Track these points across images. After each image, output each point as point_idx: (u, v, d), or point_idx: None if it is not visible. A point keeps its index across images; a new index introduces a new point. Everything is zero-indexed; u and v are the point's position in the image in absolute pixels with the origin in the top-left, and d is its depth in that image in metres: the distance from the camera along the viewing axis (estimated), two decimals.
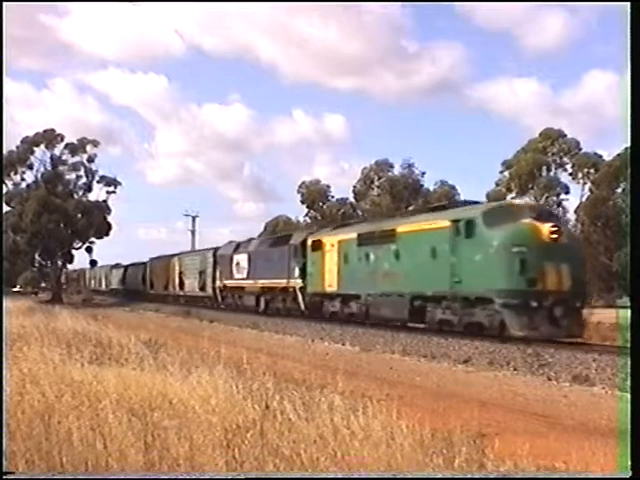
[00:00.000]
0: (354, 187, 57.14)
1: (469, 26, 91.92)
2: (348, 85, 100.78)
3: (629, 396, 5.44)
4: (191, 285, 39.61)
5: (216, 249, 36.37)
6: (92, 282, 71.11)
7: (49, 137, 49.59)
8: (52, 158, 49.97)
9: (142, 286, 50.42)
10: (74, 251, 52.54)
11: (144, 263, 51.76)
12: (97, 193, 51.42)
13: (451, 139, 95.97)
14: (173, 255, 45.36)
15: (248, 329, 21.85)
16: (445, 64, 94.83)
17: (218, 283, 34.44)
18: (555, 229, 15.05)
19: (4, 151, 43.58)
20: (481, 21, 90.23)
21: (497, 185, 48.55)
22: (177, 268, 42.45)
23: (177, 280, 42.10)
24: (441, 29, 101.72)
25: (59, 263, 52.85)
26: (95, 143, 50.53)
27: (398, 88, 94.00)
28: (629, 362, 5.84)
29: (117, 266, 62.98)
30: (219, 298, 34.56)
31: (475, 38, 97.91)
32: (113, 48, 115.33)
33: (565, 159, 47.42)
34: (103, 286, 65.91)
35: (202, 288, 37.30)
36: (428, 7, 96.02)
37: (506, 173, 47.80)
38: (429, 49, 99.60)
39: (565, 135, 47.98)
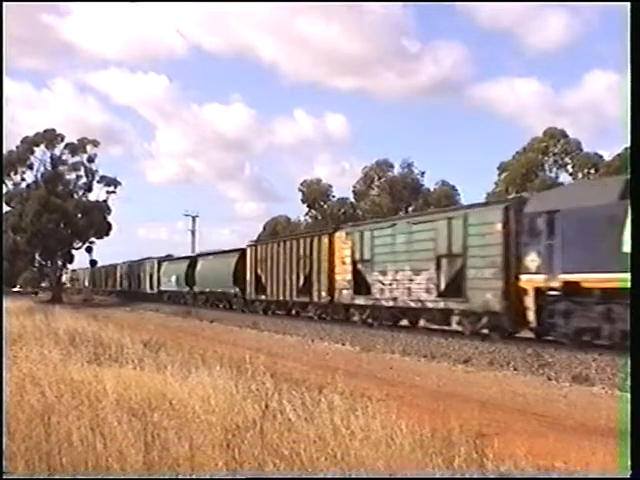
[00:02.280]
0: (354, 187, 57.21)
1: (470, 26, 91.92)
2: (349, 85, 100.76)
3: (629, 396, 5.44)
4: (405, 286, 19.13)
5: (517, 201, 16.65)
6: (124, 282, 54.76)
7: (49, 137, 49.61)
8: (52, 158, 50.04)
9: (233, 288, 31.79)
10: (74, 251, 52.63)
11: (234, 251, 33.44)
12: (97, 193, 51.61)
13: (452, 139, 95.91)
14: (327, 231, 24.86)
15: (248, 329, 21.85)
16: (446, 64, 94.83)
17: (540, 279, 14.31)
18: None
19: (4, 151, 43.68)
20: (482, 21, 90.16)
21: (497, 185, 48.55)
22: (349, 253, 21.98)
23: (348, 276, 21.94)
24: (442, 29, 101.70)
25: (59, 263, 52.85)
26: (95, 143, 50.67)
27: (399, 88, 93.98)
28: (629, 362, 5.84)
29: (170, 259, 45.51)
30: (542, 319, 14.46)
31: (476, 38, 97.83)
32: (114, 48, 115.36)
33: (566, 159, 47.44)
34: (146, 288, 47.75)
35: (451, 292, 17.31)
36: (429, 7, 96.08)
37: (503, 175, 47.77)
38: (430, 49, 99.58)
39: (567, 135, 48.01)
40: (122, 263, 56.15)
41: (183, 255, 44.47)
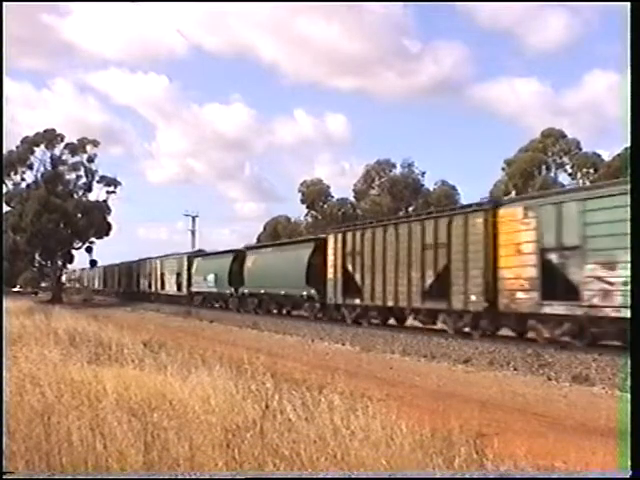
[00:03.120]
0: (355, 185, 57.24)
1: (471, 26, 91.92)
2: (349, 85, 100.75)
3: (629, 396, 5.44)
4: None
5: None
6: (143, 282, 47.86)
7: (49, 137, 49.63)
8: (52, 158, 50.05)
9: (306, 290, 24.59)
10: (74, 251, 52.63)
11: (307, 241, 27.59)
12: (97, 193, 51.58)
13: (452, 139, 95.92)
14: (481, 207, 17.07)
15: (248, 329, 21.84)
16: (447, 64, 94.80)
17: None
18: None
19: (4, 151, 43.68)
20: (483, 21, 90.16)
21: (497, 185, 48.54)
22: (532, 237, 15.00)
23: (528, 272, 15.09)
24: (443, 29, 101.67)
25: (59, 263, 52.86)
26: (95, 143, 50.67)
27: (400, 88, 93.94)
28: (629, 362, 5.84)
29: (205, 254, 39.85)
30: None
31: (477, 38, 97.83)
32: (114, 48, 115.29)
33: (565, 159, 47.50)
34: (173, 289, 41.24)
35: None
36: (430, 7, 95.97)
37: (507, 171, 47.80)
38: (431, 49, 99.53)
39: (565, 136, 48.06)
40: (139, 260, 49.88)
41: (224, 249, 37.19)
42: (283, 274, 26.32)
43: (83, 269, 66.54)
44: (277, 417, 4.75)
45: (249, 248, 33.16)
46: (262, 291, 28.62)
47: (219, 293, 34.06)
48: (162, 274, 43.61)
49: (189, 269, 38.67)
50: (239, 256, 32.21)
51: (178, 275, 40.44)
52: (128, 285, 52.33)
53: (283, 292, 26.69)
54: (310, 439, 4.24)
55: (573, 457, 5.00)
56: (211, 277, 34.64)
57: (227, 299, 33.11)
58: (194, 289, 37.54)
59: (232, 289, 31.82)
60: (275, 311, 28.67)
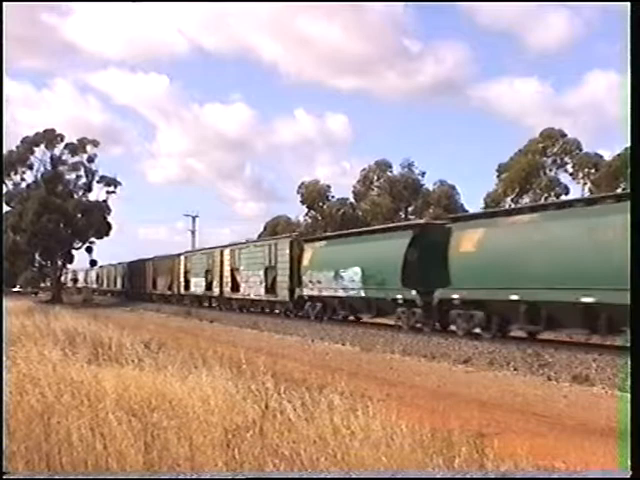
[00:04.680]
0: (354, 187, 57.22)
1: (471, 26, 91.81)
2: (350, 85, 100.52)
3: (629, 396, 5.44)
4: None
5: None
6: (196, 281, 35.91)
7: (49, 137, 49.64)
8: (52, 158, 50.05)
9: None
10: (74, 251, 52.63)
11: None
12: (97, 193, 51.58)
13: (453, 139, 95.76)
14: None
15: (248, 329, 21.85)
16: (448, 64, 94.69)
17: None
18: None
19: (4, 151, 43.68)
20: (483, 21, 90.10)
21: (496, 187, 48.50)
22: None
23: None
24: (444, 29, 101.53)
25: (59, 263, 52.87)
26: (95, 143, 50.69)
27: (401, 88, 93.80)
28: (629, 362, 5.84)
29: (325, 237, 26.54)
30: None
31: (477, 38, 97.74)
32: (115, 48, 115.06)
33: (566, 159, 47.45)
34: (255, 291, 28.51)
35: None
36: (430, 7, 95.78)
37: (503, 176, 47.70)
38: (432, 49, 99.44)
39: (565, 135, 48.02)
40: (187, 253, 38.11)
41: (379, 226, 25.14)
42: (593, 262, 13.29)
43: (101, 267, 60.53)
44: (277, 417, 4.75)
45: (456, 219, 19.73)
46: (511, 297, 15.17)
47: (369, 299, 20.90)
48: (233, 270, 30.74)
49: (294, 261, 25.21)
50: (428, 235, 19.06)
51: (268, 270, 27.24)
52: (168, 286, 40.11)
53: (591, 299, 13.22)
54: (310, 439, 4.24)
55: (573, 457, 5.00)
56: (352, 274, 21.31)
57: (390, 309, 19.99)
58: (306, 292, 24.16)
59: (410, 293, 18.69)
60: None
